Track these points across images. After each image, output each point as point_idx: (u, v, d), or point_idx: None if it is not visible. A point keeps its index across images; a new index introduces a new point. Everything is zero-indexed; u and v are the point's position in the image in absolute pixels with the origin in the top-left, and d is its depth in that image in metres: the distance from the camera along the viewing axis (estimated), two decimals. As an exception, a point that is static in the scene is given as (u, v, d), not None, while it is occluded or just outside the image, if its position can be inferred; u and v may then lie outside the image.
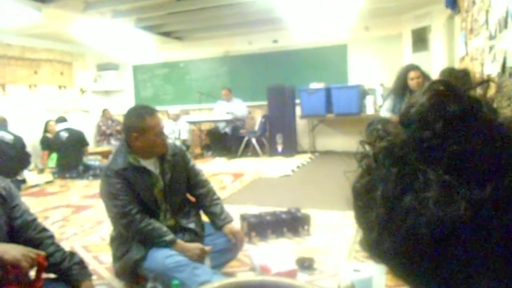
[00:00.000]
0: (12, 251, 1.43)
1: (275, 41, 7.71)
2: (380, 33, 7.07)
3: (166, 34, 7.59)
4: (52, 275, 1.73)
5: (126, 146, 2.14)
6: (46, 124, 6.92)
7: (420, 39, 6.43)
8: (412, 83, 3.97)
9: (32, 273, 1.62)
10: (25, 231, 1.67)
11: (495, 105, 0.46)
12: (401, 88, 4.02)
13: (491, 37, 2.95)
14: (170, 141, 2.33)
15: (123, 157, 2.11)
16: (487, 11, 3.09)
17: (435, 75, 4.91)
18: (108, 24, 6.20)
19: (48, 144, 6.50)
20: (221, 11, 6.14)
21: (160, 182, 2.16)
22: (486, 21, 3.11)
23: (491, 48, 2.97)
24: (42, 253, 1.55)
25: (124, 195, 2.04)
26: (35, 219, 1.74)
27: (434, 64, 5.97)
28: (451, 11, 4.92)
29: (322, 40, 7.22)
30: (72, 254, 1.76)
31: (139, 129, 2.07)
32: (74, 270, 1.70)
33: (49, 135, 6.73)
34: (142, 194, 2.10)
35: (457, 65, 4.79)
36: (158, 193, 2.16)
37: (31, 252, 1.48)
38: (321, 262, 2.43)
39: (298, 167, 5.99)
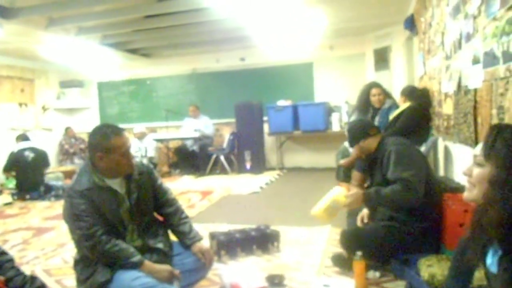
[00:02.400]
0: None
1: (242, 59, 7.80)
2: (344, 52, 7.30)
3: (133, 51, 7.53)
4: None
5: (91, 165, 2.08)
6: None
7: (381, 58, 6.69)
8: (374, 100, 4.12)
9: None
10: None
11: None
12: (364, 105, 4.16)
13: (447, 57, 3.12)
14: (137, 159, 2.29)
15: (88, 176, 2.05)
16: (442, 33, 3.27)
17: (395, 92, 5.10)
18: (73, 41, 6.09)
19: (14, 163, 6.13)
20: (189, 29, 6.17)
21: (126, 202, 2.11)
22: (442, 43, 3.29)
23: (447, 67, 3.14)
24: (1, 277, 1.47)
25: (89, 216, 1.98)
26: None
27: (394, 82, 6.22)
28: (409, 33, 5.16)
29: (288, 58, 7.38)
30: (33, 278, 1.69)
31: (104, 149, 2.03)
32: (35, 295, 1.63)
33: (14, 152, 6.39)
34: (108, 215, 2.04)
35: (417, 84, 5.01)
36: (124, 213, 2.10)
37: None
38: (291, 279, 2.44)
39: (266, 184, 6.01)
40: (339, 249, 2.62)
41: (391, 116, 4.03)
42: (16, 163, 5.75)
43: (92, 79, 8.79)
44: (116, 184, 2.11)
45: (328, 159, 6.28)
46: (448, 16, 3.02)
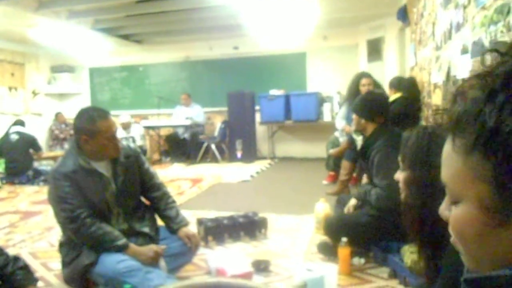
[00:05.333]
0: None
1: (235, 48, 7.75)
2: (337, 42, 7.29)
3: (125, 37, 7.45)
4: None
5: (77, 147, 2.07)
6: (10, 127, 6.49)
7: (374, 49, 6.69)
8: (363, 89, 4.13)
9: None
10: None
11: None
12: (354, 94, 4.17)
13: (437, 48, 3.13)
14: (124, 143, 2.28)
15: (73, 159, 2.04)
16: (433, 24, 3.27)
17: (387, 83, 5.11)
18: (64, 25, 6.00)
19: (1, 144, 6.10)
20: (182, 15, 6.10)
21: (112, 185, 2.11)
22: (433, 33, 3.30)
23: (437, 58, 3.15)
24: (-18, 257, 1.47)
25: (73, 198, 1.97)
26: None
27: (387, 73, 6.22)
28: (402, 24, 5.16)
29: (282, 48, 7.35)
30: (16, 258, 1.68)
31: (89, 132, 2.01)
32: (18, 275, 1.63)
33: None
34: (92, 198, 2.03)
35: (408, 75, 5.02)
36: (110, 196, 2.10)
37: None
38: (277, 265, 2.45)
39: (257, 172, 6.02)
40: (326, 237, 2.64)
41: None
42: (3, 146, 5.70)
43: (83, 65, 8.69)
44: (102, 167, 2.11)
45: (319, 149, 6.29)
46: (439, 6, 3.02)
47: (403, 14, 4.88)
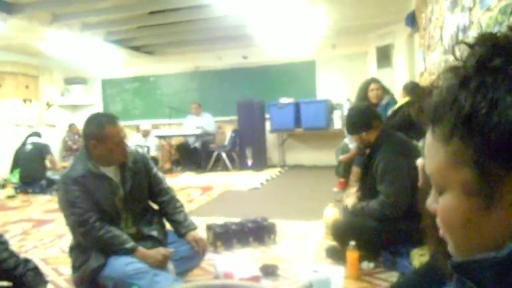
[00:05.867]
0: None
1: (245, 57, 7.81)
2: (346, 50, 7.30)
3: (136, 49, 7.58)
4: (4, 283, 1.67)
5: (86, 153, 2.11)
6: (27, 138, 6.65)
7: (384, 56, 6.68)
8: (372, 94, 4.12)
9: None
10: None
11: None
12: (363, 100, 4.17)
13: (446, 52, 3.12)
14: (132, 148, 2.31)
15: (83, 164, 2.08)
16: (441, 28, 3.27)
17: (397, 89, 5.10)
18: (77, 38, 6.14)
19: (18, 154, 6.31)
20: (192, 25, 6.20)
21: (120, 190, 2.14)
22: (441, 37, 3.29)
23: (446, 62, 3.13)
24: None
25: (83, 202, 2.01)
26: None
27: (396, 80, 6.20)
28: (411, 30, 5.16)
29: (291, 56, 7.37)
30: (27, 261, 1.71)
31: (98, 137, 2.05)
32: (29, 276, 1.65)
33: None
34: (102, 202, 2.06)
35: (417, 80, 5.00)
36: (118, 201, 2.13)
37: None
38: (285, 270, 2.44)
39: (267, 180, 6.03)
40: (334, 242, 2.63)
41: (390, 111, 4.03)
42: (19, 156, 5.89)
43: (96, 76, 8.85)
44: (111, 172, 2.14)
45: (330, 156, 6.27)
46: (446, 10, 3.02)
47: (412, 20, 4.88)
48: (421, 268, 1.49)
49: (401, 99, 4.04)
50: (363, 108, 2.68)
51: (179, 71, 8.32)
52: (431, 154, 0.56)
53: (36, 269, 1.70)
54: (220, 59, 7.98)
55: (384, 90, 4.37)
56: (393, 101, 4.30)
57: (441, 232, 0.58)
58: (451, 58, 2.92)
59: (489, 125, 0.47)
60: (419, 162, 1.32)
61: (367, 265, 2.38)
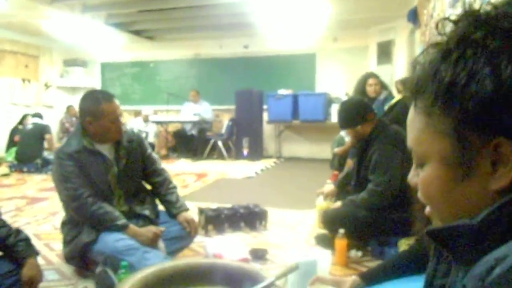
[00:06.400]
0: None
1: (245, 47, 7.80)
2: (347, 44, 7.30)
3: (137, 33, 7.55)
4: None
5: (81, 129, 2.12)
6: (24, 117, 6.72)
7: (384, 52, 6.68)
8: (370, 89, 4.13)
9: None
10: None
11: None
12: (360, 94, 4.18)
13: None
14: (128, 127, 2.33)
15: (78, 140, 2.09)
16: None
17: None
18: (77, 19, 6.11)
19: (15, 133, 6.47)
20: (193, 12, 6.17)
21: (114, 167, 2.15)
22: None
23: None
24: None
25: (76, 178, 2.02)
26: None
27: (396, 76, 6.21)
28: (412, 26, 5.16)
29: (292, 48, 7.38)
30: (18, 231, 1.73)
31: (93, 114, 2.06)
32: (20, 246, 1.67)
33: (20, 127, 6.62)
34: (95, 178, 2.08)
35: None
36: (112, 178, 2.14)
37: None
38: (274, 255, 2.47)
39: (262, 170, 6.05)
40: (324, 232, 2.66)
41: (387, 106, 4.05)
42: (16, 134, 6.08)
43: (95, 59, 8.82)
44: (106, 149, 2.15)
45: (326, 150, 6.29)
46: (447, 6, 3.03)
47: (414, 16, 4.88)
48: (406, 251, 1.52)
49: (398, 95, 4.06)
50: (356, 102, 2.68)
51: (179, 57, 8.30)
52: (413, 127, 0.58)
53: (27, 240, 1.72)
54: (220, 48, 7.96)
55: (382, 86, 4.38)
56: (390, 96, 4.31)
57: (427, 210, 0.60)
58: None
59: (467, 95, 0.49)
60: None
61: (355, 253, 2.41)
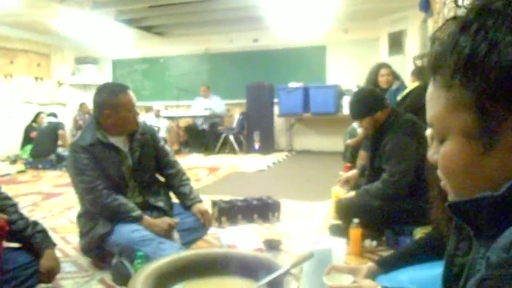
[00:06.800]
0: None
1: (255, 40, 7.78)
2: (358, 35, 7.23)
3: (147, 29, 7.58)
4: (13, 245, 1.71)
5: (95, 123, 2.14)
6: (37, 115, 6.89)
7: (396, 42, 6.60)
8: (382, 80, 4.09)
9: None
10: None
11: None
12: (372, 84, 4.13)
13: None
14: (140, 120, 2.34)
15: (92, 133, 2.11)
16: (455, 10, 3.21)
17: (408, 77, 5.04)
18: (87, 16, 6.14)
19: (30, 130, 6.63)
20: (203, 6, 6.17)
21: (128, 159, 2.17)
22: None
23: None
24: (4, 216, 1.54)
25: (91, 170, 2.04)
26: (-2, 188, 1.73)
27: (408, 67, 6.13)
28: (424, 15, 5.08)
29: (302, 40, 7.31)
30: (35, 223, 1.75)
31: (111, 106, 2.08)
32: (37, 238, 1.69)
33: (35, 124, 6.76)
34: (109, 171, 2.10)
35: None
36: (126, 170, 2.16)
37: None
38: (288, 245, 2.47)
39: (274, 163, 6.05)
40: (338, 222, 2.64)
41: (399, 96, 4.00)
42: (30, 132, 6.32)
43: (106, 57, 8.88)
44: (119, 142, 2.17)
45: (338, 142, 6.26)
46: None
47: (426, 5, 4.80)
48: (423, 238, 1.50)
49: (411, 84, 4.01)
50: (369, 91, 2.64)
51: (189, 53, 8.31)
52: (432, 103, 0.57)
53: (44, 232, 1.75)
54: (230, 42, 7.95)
55: (395, 76, 4.33)
56: (403, 86, 4.27)
57: (443, 184, 0.59)
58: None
59: (488, 65, 0.48)
60: (427, 132, 1.30)
61: (369, 243, 2.40)
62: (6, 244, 1.67)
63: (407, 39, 6.39)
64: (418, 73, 3.96)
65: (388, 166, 2.34)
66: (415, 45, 6.03)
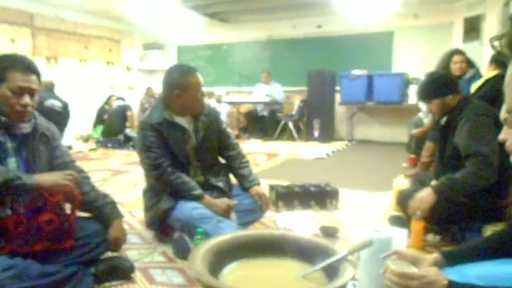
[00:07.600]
0: (50, 177, 1.54)
1: (319, 26, 7.63)
2: (429, 21, 6.83)
3: (212, 15, 7.70)
4: (85, 215, 1.84)
5: (163, 103, 2.23)
6: (109, 98, 7.39)
7: (472, 28, 6.15)
8: (455, 67, 3.84)
9: (68, 208, 1.73)
10: (63, 170, 1.78)
11: None
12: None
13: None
14: (205, 101, 2.39)
15: (159, 112, 2.20)
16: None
17: (484, 66, 4.69)
18: (155, 2, 6.37)
19: (103, 112, 7.14)
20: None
21: (192, 139, 2.24)
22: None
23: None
24: (77, 190, 1.64)
25: (157, 148, 2.14)
26: (73, 161, 1.85)
27: (485, 55, 5.70)
28: (506, -3, 4.67)
29: (367, 26, 7.08)
30: (105, 195, 1.87)
31: (181, 86, 2.15)
32: (107, 208, 1.80)
33: (107, 106, 7.24)
34: (174, 149, 2.18)
35: None
36: (190, 149, 2.23)
37: (69, 174, 1.59)
38: (345, 233, 2.43)
39: (333, 152, 5.95)
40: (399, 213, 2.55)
41: (474, 85, 3.73)
42: (102, 114, 6.83)
43: (172, 43, 9.18)
44: (185, 122, 2.24)
45: (401, 133, 6.02)
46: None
47: (508, -14, 4.41)
48: (495, 234, 1.39)
49: (488, 73, 3.72)
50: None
51: (252, 39, 8.35)
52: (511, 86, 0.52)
53: (113, 203, 1.86)
54: (293, 28, 7.87)
55: (469, 63, 4.04)
56: (478, 75, 3.97)
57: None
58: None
59: None
60: (501, 114, 1.19)
61: (432, 237, 2.29)
62: (79, 213, 1.80)
63: (485, 25, 5.92)
64: (496, 60, 3.67)
65: (473, 145, 2.03)
66: (494, 31, 5.58)
